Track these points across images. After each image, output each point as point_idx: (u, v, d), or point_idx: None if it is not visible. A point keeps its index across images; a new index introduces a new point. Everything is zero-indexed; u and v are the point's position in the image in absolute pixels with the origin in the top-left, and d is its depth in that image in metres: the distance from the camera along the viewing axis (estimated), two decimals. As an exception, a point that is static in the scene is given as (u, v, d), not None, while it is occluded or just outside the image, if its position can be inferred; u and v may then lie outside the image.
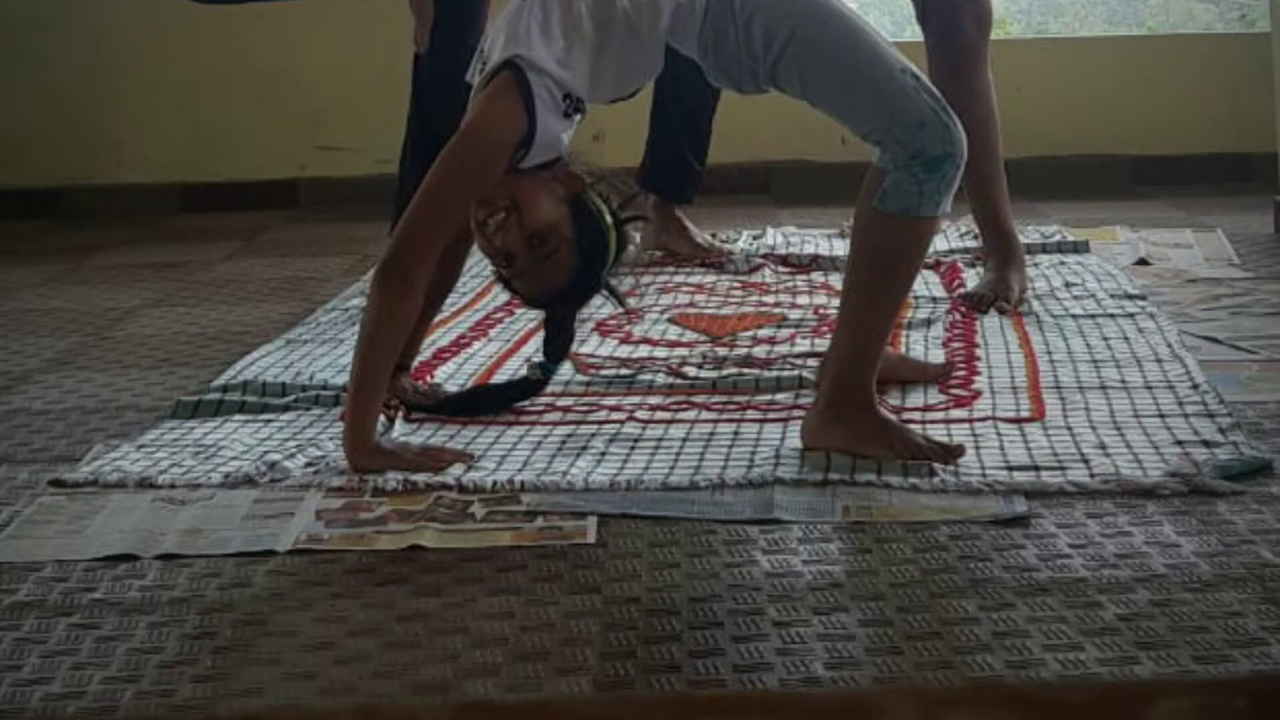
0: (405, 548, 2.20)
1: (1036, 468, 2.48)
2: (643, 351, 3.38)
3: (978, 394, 2.96)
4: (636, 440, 2.71)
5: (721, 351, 3.34)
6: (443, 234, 2.65)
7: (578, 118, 2.73)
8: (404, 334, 2.69)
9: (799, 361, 3.20)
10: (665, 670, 1.76)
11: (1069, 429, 2.69)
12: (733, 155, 5.61)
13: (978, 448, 2.59)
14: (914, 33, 4.09)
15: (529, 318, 3.46)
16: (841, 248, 4.38)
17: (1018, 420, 2.76)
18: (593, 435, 2.74)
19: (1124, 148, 6.06)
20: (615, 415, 2.87)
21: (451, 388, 3.07)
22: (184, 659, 1.83)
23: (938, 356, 3.26)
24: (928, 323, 3.56)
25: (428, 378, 3.13)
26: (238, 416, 2.94)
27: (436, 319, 3.13)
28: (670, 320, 3.69)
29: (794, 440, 2.64)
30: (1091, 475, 2.42)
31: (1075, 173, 5.98)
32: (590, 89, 2.72)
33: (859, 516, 2.29)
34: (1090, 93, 6.08)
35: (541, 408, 2.93)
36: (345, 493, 2.45)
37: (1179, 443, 2.58)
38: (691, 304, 3.88)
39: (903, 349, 3.32)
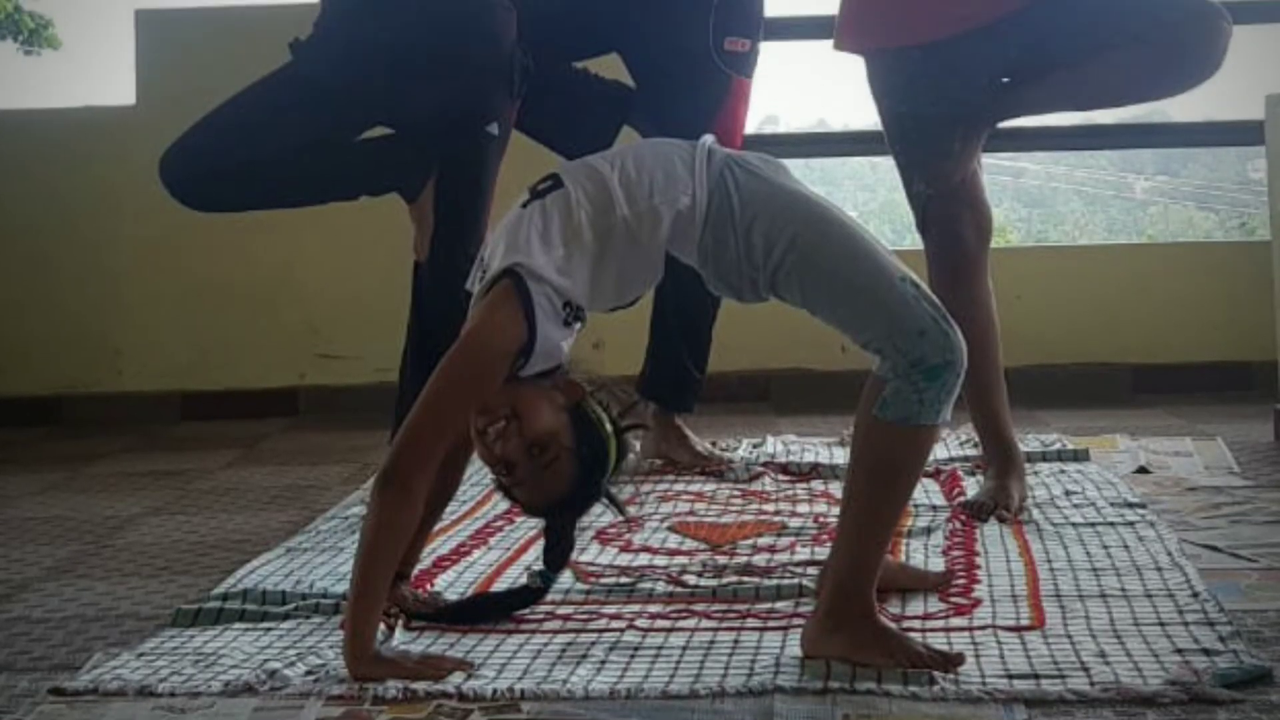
0: (403, 757, 2.19)
1: (1036, 676, 2.46)
2: (643, 560, 3.37)
3: (978, 602, 2.95)
4: (636, 648, 2.69)
5: (722, 560, 3.33)
6: (443, 443, 2.66)
7: (578, 326, 2.74)
8: (404, 543, 2.69)
9: (799, 570, 3.19)
10: None
11: (1069, 637, 2.68)
12: (732, 364, 5.64)
13: (978, 656, 2.58)
14: (914, 241, 4.13)
15: (529, 526, 3.46)
16: (842, 456, 4.39)
17: (1018, 629, 2.75)
18: (593, 643, 2.72)
19: (1124, 356, 6.09)
20: (615, 623, 2.86)
21: (451, 596, 3.06)
22: None
23: (938, 565, 3.25)
24: (928, 531, 3.56)
25: (428, 586, 3.13)
26: (238, 625, 2.92)
27: (436, 527, 3.13)
28: (670, 528, 3.68)
29: (794, 648, 2.63)
30: (1091, 683, 2.41)
31: (1075, 381, 6.00)
32: (590, 297, 2.74)
33: (860, 725, 2.28)
34: (1090, 301, 6.12)
35: (541, 615, 2.92)
36: (345, 701, 2.43)
37: (1179, 651, 2.56)
38: (691, 512, 3.88)
39: (902, 557, 3.31)
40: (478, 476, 3.86)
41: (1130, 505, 3.75)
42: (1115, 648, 2.60)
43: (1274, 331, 4.87)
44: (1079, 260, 6.57)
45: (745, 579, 3.14)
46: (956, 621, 2.82)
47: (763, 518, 3.79)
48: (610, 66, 4.36)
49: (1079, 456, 4.44)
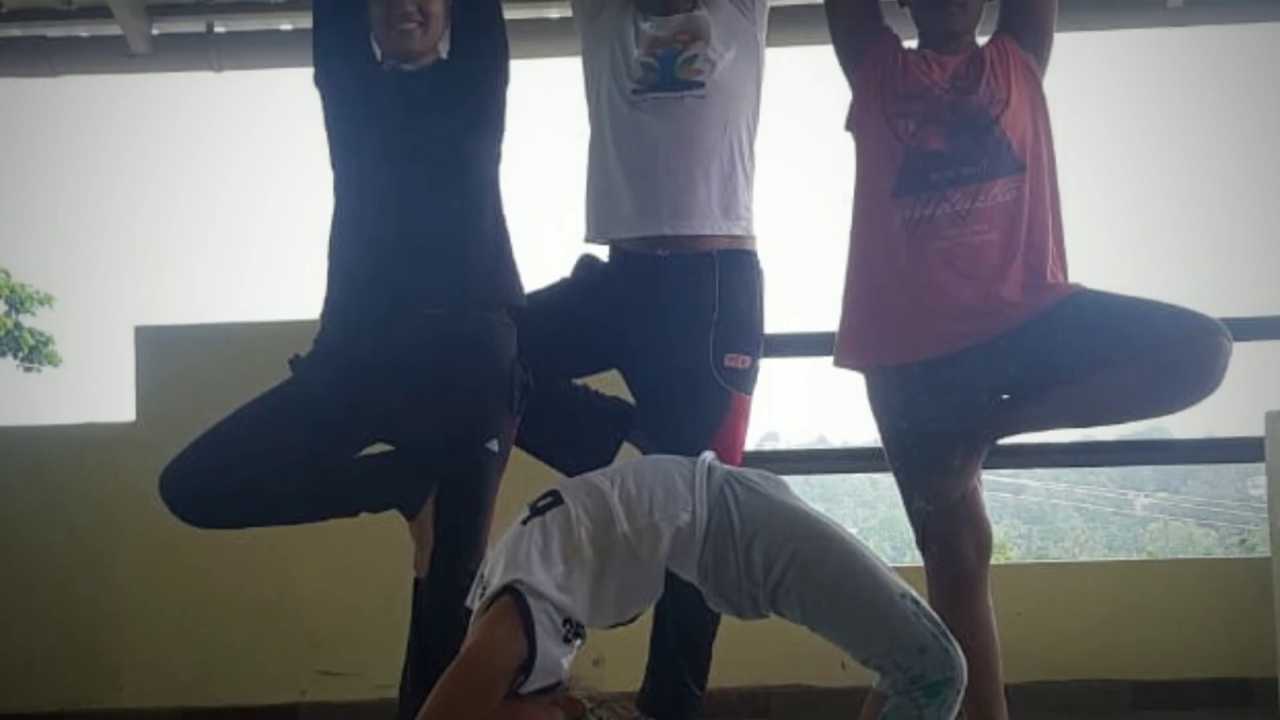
0: None
1: None
2: None
3: None
4: None
5: None
6: (442, 760, 2.63)
7: (578, 642, 2.74)
8: None
9: None
10: None
11: None
12: (731, 680, 5.57)
13: None
14: (915, 557, 4.12)
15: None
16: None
17: None
18: None
19: (1124, 672, 6.03)
20: None
21: None
22: None
23: None
24: None
25: None
26: None
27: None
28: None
29: None
30: None
31: (1075, 697, 5.94)
32: (590, 614, 2.74)
33: None
34: (1090, 618, 6.08)
35: None
36: None
37: None
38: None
39: None
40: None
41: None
42: None
43: (1274, 648, 4.84)
44: (1079, 577, 6.55)
45: None
46: None
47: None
48: (610, 382, 4.40)
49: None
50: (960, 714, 2.66)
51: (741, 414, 4.23)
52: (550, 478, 3.64)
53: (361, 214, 4.06)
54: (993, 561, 3.98)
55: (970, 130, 3.97)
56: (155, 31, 7.07)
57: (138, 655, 6.17)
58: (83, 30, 7.16)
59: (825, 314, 4.35)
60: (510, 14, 4.25)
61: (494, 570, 2.74)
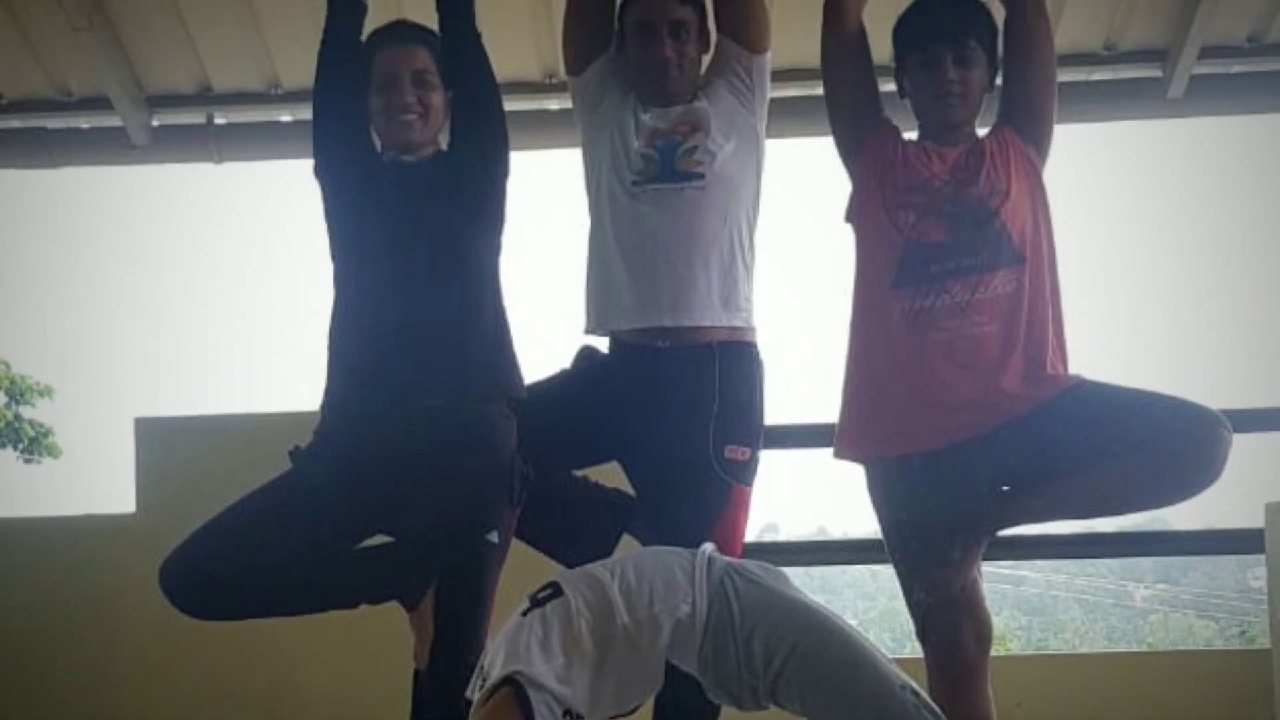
0: None
1: None
2: None
3: None
4: None
5: None
6: None
7: (578, 734, 2.73)
8: None
9: None
10: None
11: None
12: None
13: None
14: (914, 649, 4.11)
15: None
16: None
17: None
18: None
19: (1126, 763, 6.01)
20: None
21: None
22: None
23: None
24: None
25: None
26: None
27: None
28: None
29: None
30: None
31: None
32: (591, 705, 2.73)
33: None
34: (1090, 709, 6.05)
35: None
36: None
37: None
38: None
39: None
40: None
41: None
42: None
43: (1275, 739, 4.82)
44: (1079, 669, 6.52)
45: None
46: None
47: None
48: (610, 474, 4.40)
49: None
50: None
51: (741, 506, 4.22)
52: (550, 569, 3.63)
53: (361, 305, 4.07)
54: (993, 653, 3.97)
55: (970, 222, 3.99)
56: (155, 123, 7.12)
57: (137, 749, 6.14)
58: (83, 122, 7.21)
59: (825, 405, 4.35)
60: (510, 105, 4.28)
61: (494, 662, 2.74)
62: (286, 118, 7.11)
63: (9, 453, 22.72)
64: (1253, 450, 4.97)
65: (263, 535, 3.86)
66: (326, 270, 4.15)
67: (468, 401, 3.99)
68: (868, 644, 2.71)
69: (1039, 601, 42.44)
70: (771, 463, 4.41)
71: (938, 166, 4.06)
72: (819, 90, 4.34)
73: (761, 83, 4.37)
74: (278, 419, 5.46)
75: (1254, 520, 5.10)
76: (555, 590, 2.79)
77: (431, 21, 4.21)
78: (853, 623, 2.82)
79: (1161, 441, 3.76)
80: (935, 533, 3.90)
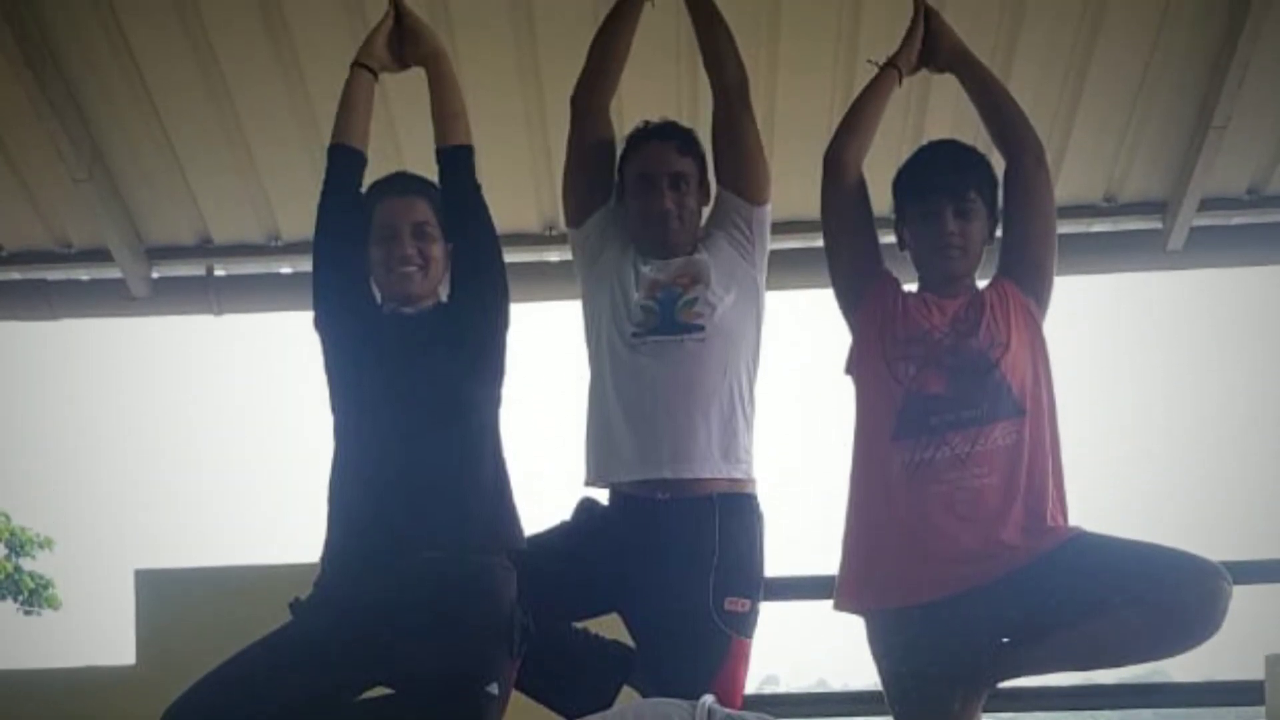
0: None
1: None
2: None
3: None
4: None
5: None
6: None
7: None
8: None
9: None
10: None
11: None
12: None
13: None
14: None
15: None
16: None
17: None
18: None
19: None
20: None
21: None
22: None
23: None
24: None
25: None
26: None
27: None
28: None
29: None
30: None
31: None
32: None
33: None
34: None
35: None
36: None
37: None
38: None
39: None
40: None
41: None
42: None
43: None
44: None
45: None
46: None
47: None
48: (611, 626, 4.38)
49: None
50: None
51: (741, 657, 4.20)
52: (550, 721, 3.61)
53: (361, 457, 4.06)
54: None
55: (970, 374, 4.00)
56: (155, 274, 7.16)
57: None
58: (83, 274, 7.25)
59: (825, 557, 4.34)
60: (510, 257, 4.30)
61: None
62: (286, 269, 7.15)
63: (9, 605, 22.63)
64: (1252, 602, 4.95)
65: (263, 687, 3.84)
66: (327, 421, 4.15)
67: (468, 553, 3.98)
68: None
69: (1040, 754, 42.04)
70: (772, 614, 4.39)
71: (938, 318, 4.08)
72: (819, 242, 4.37)
73: (761, 234, 4.39)
74: (278, 571, 5.43)
75: (1254, 672, 5.07)
76: (554, 743, 2.76)
77: (432, 173, 4.24)
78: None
79: (1161, 593, 3.76)
80: (936, 684, 3.88)
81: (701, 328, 4.24)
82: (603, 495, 4.34)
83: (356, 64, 4.28)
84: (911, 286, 4.22)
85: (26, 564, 22.85)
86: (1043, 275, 4.15)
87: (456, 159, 4.21)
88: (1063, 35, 6.30)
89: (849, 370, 4.20)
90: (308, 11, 6.16)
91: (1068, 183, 6.67)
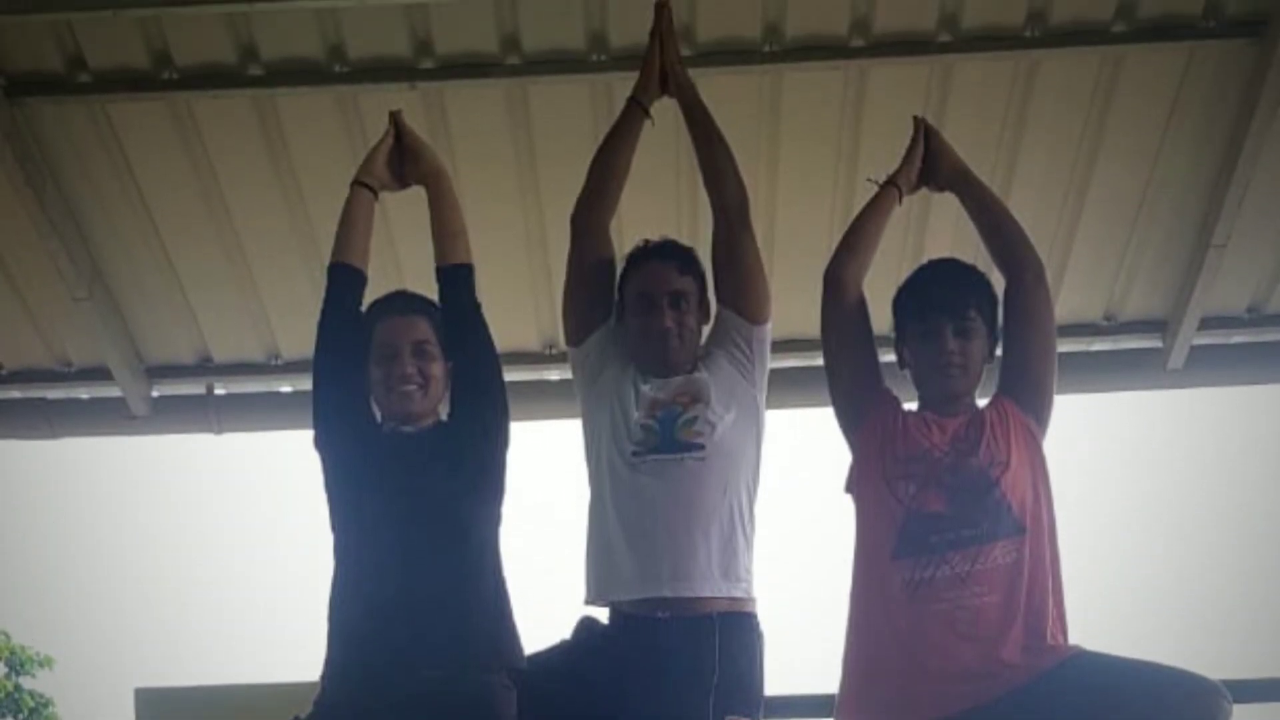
0: None
1: None
2: None
3: None
4: None
5: None
6: None
7: None
8: None
9: None
10: None
11: None
12: None
13: None
14: None
15: None
16: None
17: None
18: None
19: None
20: None
21: None
22: None
23: None
24: None
25: None
26: None
27: None
28: None
29: None
30: None
31: None
32: None
33: None
34: None
35: None
36: None
37: None
38: None
39: None
40: None
41: None
42: None
43: None
44: None
45: None
46: None
47: None
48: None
49: None
50: None
51: (742, 776, 4.17)
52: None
53: (362, 575, 4.06)
54: None
55: (970, 492, 3.99)
56: (155, 393, 7.15)
57: None
58: (83, 392, 7.24)
59: (825, 675, 4.32)
60: (510, 376, 4.31)
61: None
62: (286, 388, 7.15)
63: (7, 723, 22.51)
64: (1252, 721, 4.93)
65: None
66: (327, 540, 4.14)
67: (468, 671, 3.97)
68: None
69: None
70: (772, 730, 4.37)
71: (938, 437, 4.08)
72: (819, 360, 4.38)
73: (761, 353, 4.39)
74: (278, 690, 5.41)
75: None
76: None
77: (432, 292, 4.25)
78: None
79: (1162, 713, 3.75)
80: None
81: (702, 446, 4.24)
82: (603, 614, 4.32)
83: (357, 183, 4.31)
84: (911, 405, 4.22)
85: (27, 682, 22.76)
86: (1043, 394, 4.15)
87: (457, 277, 4.23)
88: (1063, 154, 6.32)
89: (849, 489, 4.20)
90: (307, 130, 6.19)
91: (1068, 301, 6.68)
